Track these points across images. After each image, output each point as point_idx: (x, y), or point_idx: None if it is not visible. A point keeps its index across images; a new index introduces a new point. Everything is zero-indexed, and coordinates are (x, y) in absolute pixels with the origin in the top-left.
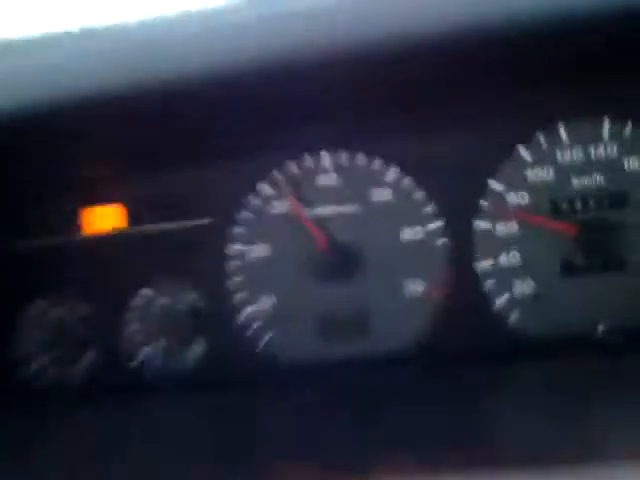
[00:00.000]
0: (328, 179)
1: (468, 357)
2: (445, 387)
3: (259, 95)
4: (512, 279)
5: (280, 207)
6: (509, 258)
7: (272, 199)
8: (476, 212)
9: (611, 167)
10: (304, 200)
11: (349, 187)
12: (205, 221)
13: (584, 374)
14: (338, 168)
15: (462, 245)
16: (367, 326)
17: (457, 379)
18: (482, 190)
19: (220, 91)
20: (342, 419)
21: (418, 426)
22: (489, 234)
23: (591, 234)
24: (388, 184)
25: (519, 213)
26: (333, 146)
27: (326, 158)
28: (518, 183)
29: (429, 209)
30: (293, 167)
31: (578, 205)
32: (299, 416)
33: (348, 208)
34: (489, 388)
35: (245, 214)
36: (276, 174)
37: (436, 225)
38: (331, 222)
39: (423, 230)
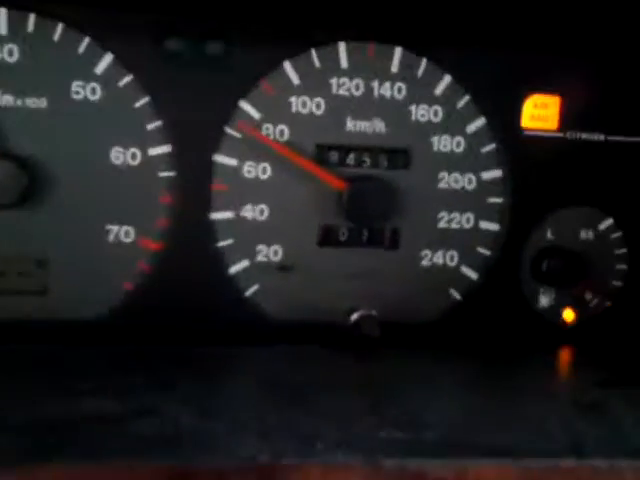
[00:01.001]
0: (5, 53)
1: (173, 331)
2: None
3: None
4: (255, 242)
5: None
6: (255, 213)
7: None
8: (219, 142)
9: (396, 113)
10: None
11: (37, 70)
12: None
13: (319, 368)
14: (22, 38)
15: (194, 184)
16: (45, 282)
17: (155, 357)
18: (230, 113)
19: None
20: None
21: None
22: (233, 175)
23: (361, 196)
24: (98, 78)
25: (275, 150)
26: (17, 0)
27: (3, 17)
28: (278, 112)
29: (154, 126)
30: None
31: (350, 157)
32: None
33: (34, 102)
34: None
35: None
36: None
37: (161, 151)
38: (6, 120)
39: (141, 154)
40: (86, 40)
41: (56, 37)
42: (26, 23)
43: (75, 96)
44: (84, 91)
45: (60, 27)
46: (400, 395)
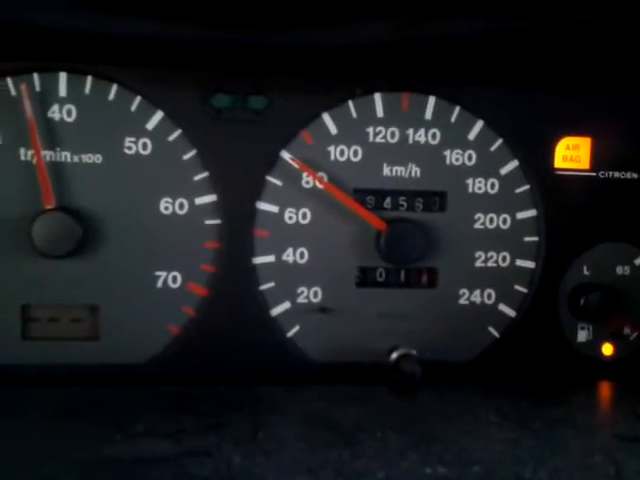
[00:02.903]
0: (64, 113)
1: (218, 373)
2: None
3: None
4: (296, 284)
5: None
6: (295, 256)
7: None
8: (261, 190)
9: (431, 158)
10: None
11: (93, 128)
12: None
13: (361, 407)
14: (80, 99)
15: (238, 231)
16: (97, 327)
17: (203, 398)
18: (272, 163)
19: None
20: None
21: None
22: (275, 221)
23: (397, 238)
24: (149, 134)
25: (322, 188)
26: (76, 65)
27: (63, 80)
28: (318, 160)
29: (201, 178)
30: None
31: (387, 201)
32: None
33: (90, 158)
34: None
35: None
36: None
37: (207, 200)
38: (63, 175)
39: (189, 204)
40: (138, 99)
41: (111, 97)
42: (84, 85)
43: (128, 151)
44: (136, 146)
45: (114, 88)
46: (443, 432)
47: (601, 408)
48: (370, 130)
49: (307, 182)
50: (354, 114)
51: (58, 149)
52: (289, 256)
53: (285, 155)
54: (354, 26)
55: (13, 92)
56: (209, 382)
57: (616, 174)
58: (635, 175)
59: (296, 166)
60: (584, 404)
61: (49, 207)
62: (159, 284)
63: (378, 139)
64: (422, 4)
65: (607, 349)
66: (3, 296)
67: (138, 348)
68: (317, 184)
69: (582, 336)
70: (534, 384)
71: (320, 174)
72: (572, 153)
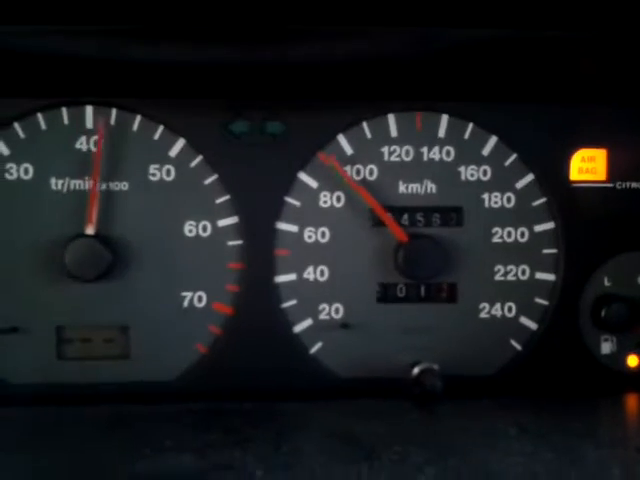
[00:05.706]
0: (91, 143)
1: (243, 389)
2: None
3: None
4: (318, 301)
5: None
6: (316, 274)
7: None
8: (281, 211)
9: (446, 174)
10: None
11: (119, 158)
12: None
13: (383, 421)
14: (104, 129)
15: (260, 251)
16: (127, 347)
17: (228, 414)
18: (290, 185)
19: None
20: None
21: None
22: (295, 240)
23: (415, 254)
24: (172, 160)
25: (355, 191)
26: (99, 97)
27: (89, 112)
28: (334, 180)
29: (223, 201)
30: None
31: (404, 218)
32: None
33: (117, 186)
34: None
35: None
36: None
37: (229, 222)
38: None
39: (212, 226)
40: (160, 128)
41: (135, 127)
42: (109, 117)
43: (152, 178)
44: (160, 173)
45: (138, 119)
46: (461, 445)
47: (625, 421)
48: (385, 149)
49: (325, 202)
50: (368, 134)
51: (87, 178)
52: (310, 274)
53: (303, 177)
54: (368, 40)
55: (43, 126)
56: (235, 398)
57: (633, 184)
58: None
59: (333, 165)
60: (607, 417)
61: (90, 233)
62: (185, 304)
63: (393, 158)
64: (432, 16)
65: (632, 360)
66: (39, 318)
67: (167, 366)
68: (334, 204)
69: (606, 348)
70: (557, 397)
71: (337, 193)
72: (588, 165)
